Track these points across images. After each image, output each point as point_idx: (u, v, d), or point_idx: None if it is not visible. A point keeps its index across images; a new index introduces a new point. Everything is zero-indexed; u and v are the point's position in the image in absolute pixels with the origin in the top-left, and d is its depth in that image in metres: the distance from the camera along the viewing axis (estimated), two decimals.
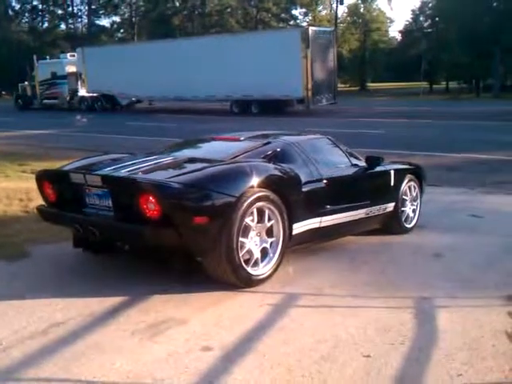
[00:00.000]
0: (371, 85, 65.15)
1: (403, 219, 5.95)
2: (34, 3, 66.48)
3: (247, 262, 4.22)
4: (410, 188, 6.05)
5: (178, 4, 62.41)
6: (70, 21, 66.93)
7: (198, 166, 4.44)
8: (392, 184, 5.77)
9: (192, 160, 4.72)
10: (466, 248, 5.42)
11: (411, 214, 6.09)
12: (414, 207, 6.15)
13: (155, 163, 4.60)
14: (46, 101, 35.74)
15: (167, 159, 4.76)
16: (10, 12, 66.08)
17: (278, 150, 4.99)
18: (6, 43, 58.64)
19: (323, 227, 4.91)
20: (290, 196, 4.53)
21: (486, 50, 38.70)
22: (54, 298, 4.04)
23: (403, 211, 5.94)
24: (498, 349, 3.28)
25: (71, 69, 34.58)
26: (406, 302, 4.03)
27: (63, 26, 68.14)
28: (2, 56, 57.06)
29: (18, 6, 66.74)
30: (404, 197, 5.95)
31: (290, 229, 4.51)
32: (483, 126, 18.71)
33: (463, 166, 10.90)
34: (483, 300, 4.10)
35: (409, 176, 6.05)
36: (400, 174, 5.91)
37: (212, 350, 3.27)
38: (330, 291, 4.24)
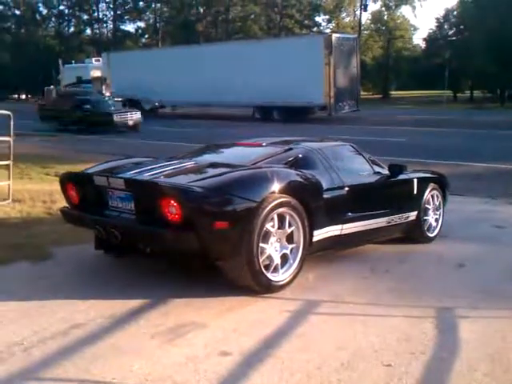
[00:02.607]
0: (394, 93, 64.77)
1: (425, 228, 5.89)
2: (61, 8, 67.66)
3: (267, 267, 4.21)
4: (432, 197, 5.99)
5: (202, 10, 62.84)
6: (96, 26, 67.84)
7: (220, 170, 4.45)
8: (415, 192, 5.72)
9: (214, 165, 4.73)
10: (488, 258, 5.35)
11: (434, 223, 6.03)
12: (437, 216, 6.09)
13: (177, 167, 4.62)
14: None
15: (189, 164, 4.79)
16: (38, 17, 67.22)
17: (300, 156, 4.98)
18: (33, 47, 59.61)
19: (344, 235, 4.88)
20: (311, 202, 4.51)
21: (511, 59, 38.24)
22: (76, 299, 4.07)
23: (426, 220, 5.88)
24: None
25: (96, 73, 35.00)
26: (427, 311, 3.99)
27: (89, 31, 69.24)
28: (29, 60, 57.99)
29: (45, 11, 68.06)
30: (427, 206, 5.89)
31: (311, 235, 4.49)
32: (507, 135, 18.47)
33: (487, 175, 10.76)
34: (506, 311, 4.04)
35: (432, 185, 5.99)
36: (423, 183, 5.86)
37: (231, 354, 3.26)
38: (350, 299, 4.21)
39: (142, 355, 3.24)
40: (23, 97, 64.69)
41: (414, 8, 64.38)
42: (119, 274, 4.71)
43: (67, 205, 4.92)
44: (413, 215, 5.69)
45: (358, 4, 61.13)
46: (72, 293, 4.21)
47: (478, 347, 3.40)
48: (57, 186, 5.15)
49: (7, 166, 7.50)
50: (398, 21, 64.77)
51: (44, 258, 5.06)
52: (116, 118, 20.96)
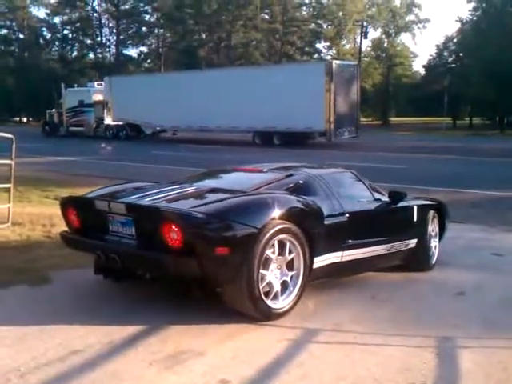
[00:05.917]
0: (394, 119, 65.12)
1: (426, 256, 5.87)
2: (65, 33, 68.43)
3: (267, 294, 4.19)
4: (432, 224, 5.99)
5: (204, 36, 63.45)
6: (99, 50, 68.36)
7: (221, 196, 4.46)
8: (415, 220, 5.72)
9: (215, 190, 4.74)
10: (488, 287, 5.33)
11: (433, 251, 6.02)
12: (436, 243, 6.08)
13: (178, 192, 4.63)
14: (72, 128, 36.32)
15: (190, 189, 4.80)
16: (41, 41, 67.98)
17: (301, 182, 5.00)
18: (36, 71, 60.08)
19: (344, 262, 4.86)
20: (312, 229, 4.50)
21: (510, 86, 38.57)
22: (74, 324, 4.05)
23: (426, 247, 5.87)
24: None
25: (98, 97, 35.22)
26: (427, 341, 3.95)
27: (92, 55, 69.72)
28: (32, 83, 58.45)
29: (48, 35, 68.84)
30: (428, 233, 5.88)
31: (311, 262, 4.48)
32: (506, 162, 18.53)
33: (485, 202, 10.77)
34: (507, 341, 4.01)
35: (432, 212, 6.00)
36: (423, 210, 5.86)
37: (230, 382, 3.23)
38: (350, 327, 4.18)
39: (141, 382, 3.22)
40: (24, 120, 65.02)
41: (413, 35, 64.93)
42: (118, 300, 4.68)
43: (67, 229, 4.92)
44: (413, 243, 5.68)
45: (359, 31, 61.94)
46: (70, 318, 4.18)
47: (479, 378, 3.37)
48: (56, 210, 5.14)
49: (7, 188, 7.50)
50: (398, 48, 65.36)
51: (43, 282, 5.03)
52: None
